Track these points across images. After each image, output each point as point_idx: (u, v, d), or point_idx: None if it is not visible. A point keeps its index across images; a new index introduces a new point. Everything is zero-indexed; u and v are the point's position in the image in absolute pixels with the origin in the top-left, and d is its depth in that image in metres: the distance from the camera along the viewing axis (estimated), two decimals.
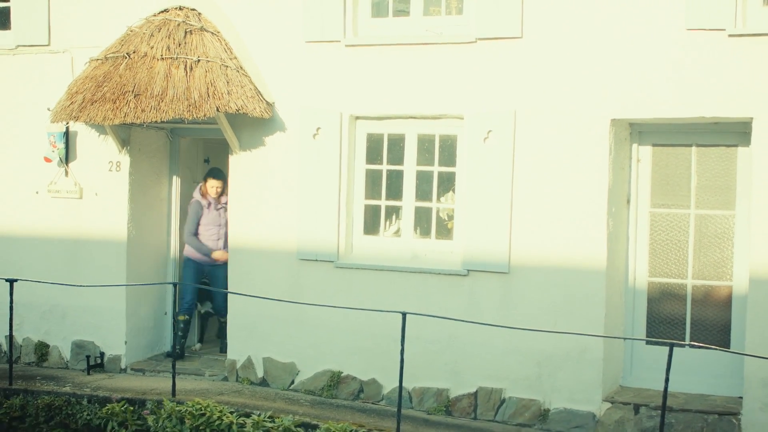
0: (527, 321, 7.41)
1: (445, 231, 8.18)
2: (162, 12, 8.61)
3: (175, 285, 8.35)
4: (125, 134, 8.97)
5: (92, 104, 8.16)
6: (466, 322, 7.24)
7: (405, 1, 8.18)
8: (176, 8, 8.63)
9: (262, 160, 8.52)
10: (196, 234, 9.30)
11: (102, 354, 9.14)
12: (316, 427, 7.00)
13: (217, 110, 7.93)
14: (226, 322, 9.38)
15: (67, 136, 9.11)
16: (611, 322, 7.48)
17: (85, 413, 7.83)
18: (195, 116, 7.88)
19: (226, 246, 9.18)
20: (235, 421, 7.15)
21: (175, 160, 9.67)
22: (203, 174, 9.70)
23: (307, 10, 8.27)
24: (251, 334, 8.60)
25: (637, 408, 7.25)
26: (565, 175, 7.47)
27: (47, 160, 9.22)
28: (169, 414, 7.34)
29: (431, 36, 7.92)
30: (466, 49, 7.78)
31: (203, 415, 7.21)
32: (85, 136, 9.12)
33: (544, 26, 7.53)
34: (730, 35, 6.97)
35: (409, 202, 8.20)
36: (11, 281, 8.33)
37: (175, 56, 8.15)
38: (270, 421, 7.11)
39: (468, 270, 7.79)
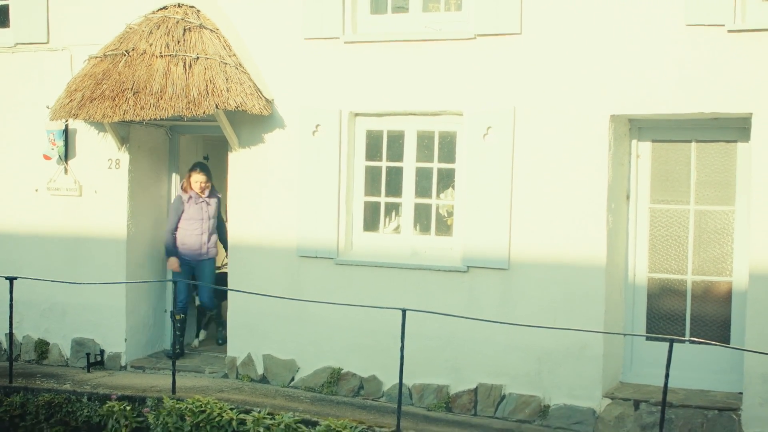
0: (527, 317, 7.41)
1: (444, 228, 8.18)
2: (161, 9, 8.60)
3: (175, 282, 8.35)
4: (124, 132, 8.96)
5: (91, 102, 8.15)
6: (466, 318, 7.25)
7: None
8: (175, 5, 8.62)
9: (262, 157, 8.52)
10: (175, 230, 9.10)
11: (102, 351, 9.14)
12: (316, 423, 6.99)
13: (216, 107, 7.93)
14: (215, 315, 9.39)
15: (67, 134, 9.11)
16: (611, 318, 7.48)
17: (86, 411, 7.83)
18: (194, 113, 7.88)
19: (215, 240, 9.19)
20: (235, 418, 7.15)
21: (175, 157, 9.66)
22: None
23: (306, 7, 8.26)
24: (251, 331, 8.59)
25: (637, 404, 7.25)
26: (564, 172, 7.47)
27: (47, 157, 9.21)
28: (170, 411, 7.34)
29: (430, 32, 7.92)
30: (466, 46, 7.78)
31: (203, 412, 7.21)
32: (85, 133, 9.11)
33: (543, 22, 7.52)
34: (729, 31, 6.96)
35: (408, 198, 8.20)
36: (11, 279, 8.32)
37: (174, 53, 8.15)
38: (270, 418, 7.10)
39: (468, 266, 7.79)
